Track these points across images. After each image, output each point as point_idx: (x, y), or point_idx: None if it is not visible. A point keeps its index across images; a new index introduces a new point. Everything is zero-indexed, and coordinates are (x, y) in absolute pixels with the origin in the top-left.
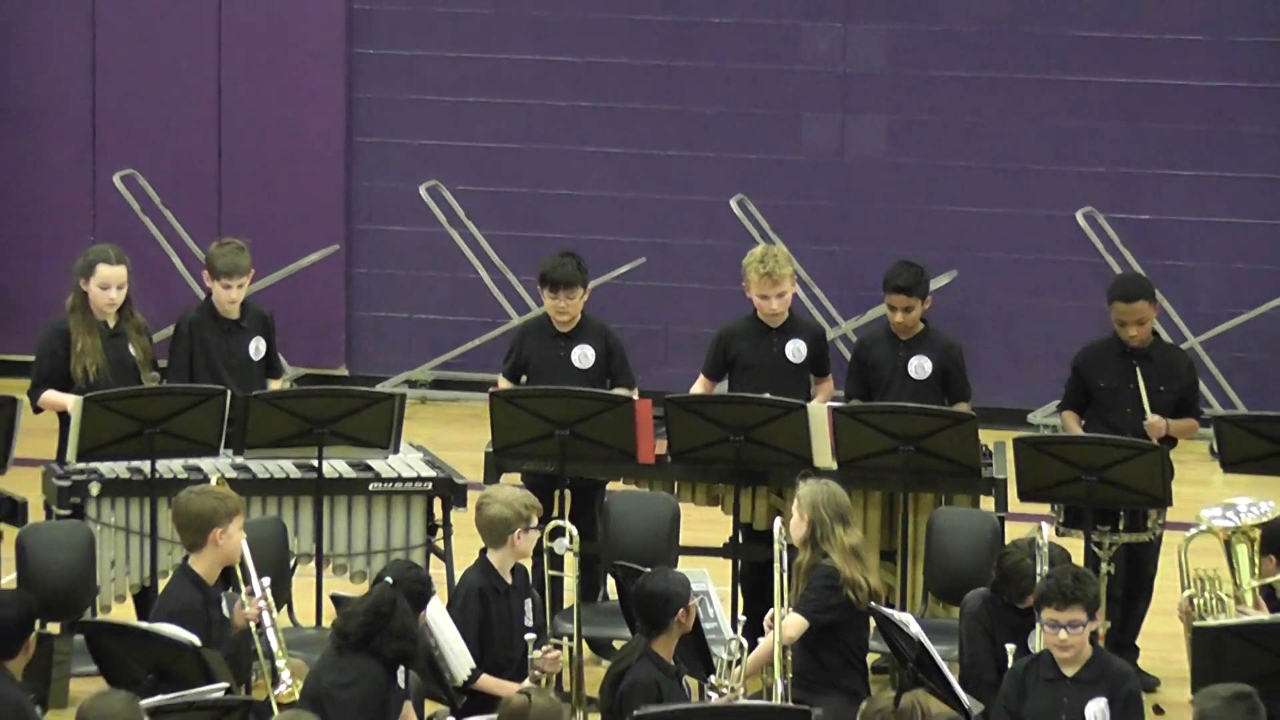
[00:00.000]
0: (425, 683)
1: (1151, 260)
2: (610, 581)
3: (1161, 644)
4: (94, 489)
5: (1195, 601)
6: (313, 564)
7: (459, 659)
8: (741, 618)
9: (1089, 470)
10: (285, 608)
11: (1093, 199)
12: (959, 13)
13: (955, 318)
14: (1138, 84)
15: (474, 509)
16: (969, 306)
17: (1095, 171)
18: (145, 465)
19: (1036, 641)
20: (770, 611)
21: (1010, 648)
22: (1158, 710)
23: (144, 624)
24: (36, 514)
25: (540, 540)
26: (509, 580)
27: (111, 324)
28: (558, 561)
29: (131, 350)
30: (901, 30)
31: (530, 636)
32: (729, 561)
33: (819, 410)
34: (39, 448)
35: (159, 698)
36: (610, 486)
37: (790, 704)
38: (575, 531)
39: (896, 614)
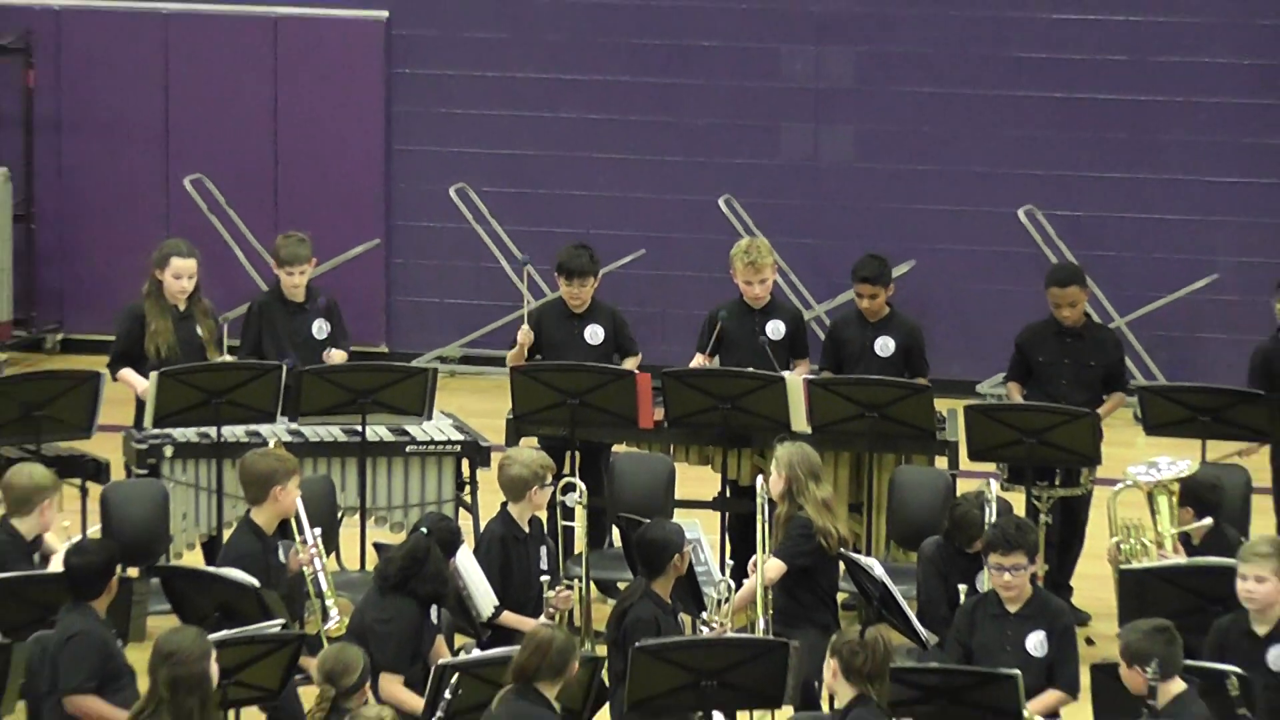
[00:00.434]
0: (455, 619)
1: (1084, 251)
2: (615, 531)
3: (1092, 584)
4: (168, 451)
5: (1122, 547)
6: (357, 516)
7: (484, 598)
8: (729, 562)
9: (1030, 433)
10: (334, 554)
11: (1033, 198)
12: (918, 36)
13: (914, 301)
14: (1071, 98)
15: (496, 468)
16: (926, 291)
17: (1035, 174)
18: (212, 430)
19: (984, 582)
20: (753, 557)
21: (962, 588)
22: (1089, 642)
23: (211, 569)
24: (118, 473)
25: (554, 495)
26: (527, 530)
27: (181, 308)
28: (569, 513)
29: (199, 331)
30: (867, 51)
31: (545, 578)
32: (718, 513)
33: (796, 382)
34: (120, 415)
35: (224, 632)
36: (615, 448)
37: (771, 637)
38: (584, 487)
39: (863, 559)
